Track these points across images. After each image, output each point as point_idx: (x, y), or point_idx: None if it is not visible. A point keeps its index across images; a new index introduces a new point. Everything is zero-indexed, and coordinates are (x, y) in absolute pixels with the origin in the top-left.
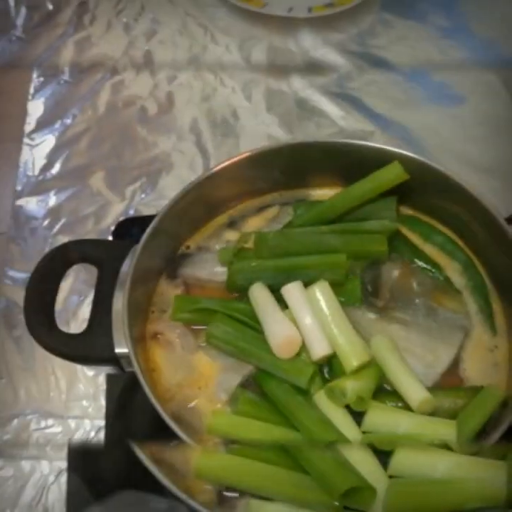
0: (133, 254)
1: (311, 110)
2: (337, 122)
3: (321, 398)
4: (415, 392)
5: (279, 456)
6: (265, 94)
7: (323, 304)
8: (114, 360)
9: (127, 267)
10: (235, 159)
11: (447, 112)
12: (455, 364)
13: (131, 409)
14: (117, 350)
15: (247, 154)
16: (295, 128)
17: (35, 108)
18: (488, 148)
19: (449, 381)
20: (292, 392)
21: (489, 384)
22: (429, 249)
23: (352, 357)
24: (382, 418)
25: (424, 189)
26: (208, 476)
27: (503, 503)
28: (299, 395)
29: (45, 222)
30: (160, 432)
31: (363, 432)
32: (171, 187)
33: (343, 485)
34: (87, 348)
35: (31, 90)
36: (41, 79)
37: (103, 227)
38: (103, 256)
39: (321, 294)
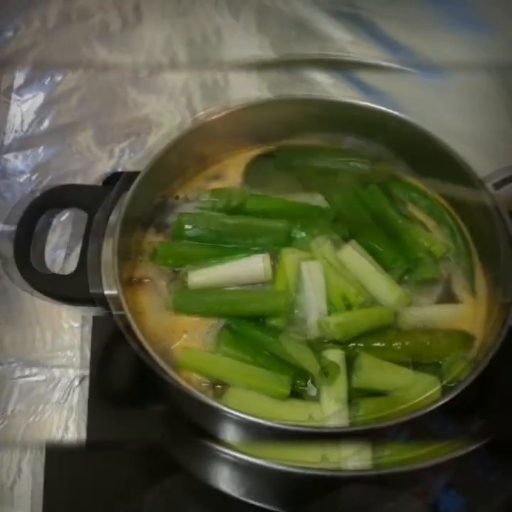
0: (122, 201)
1: (313, 33)
2: (345, 48)
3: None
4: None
5: (245, 353)
6: (256, 11)
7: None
8: (102, 301)
9: (117, 213)
10: (223, 113)
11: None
12: None
13: (117, 357)
14: (106, 292)
15: (233, 109)
16: (292, 51)
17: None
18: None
19: None
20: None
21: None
22: (417, 213)
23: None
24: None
25: (417, 153)
26: (190, 368)
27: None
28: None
29: (33, 177)
30: (145, 376)
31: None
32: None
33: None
34: (77, 287)
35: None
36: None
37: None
38: (93, 201)
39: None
